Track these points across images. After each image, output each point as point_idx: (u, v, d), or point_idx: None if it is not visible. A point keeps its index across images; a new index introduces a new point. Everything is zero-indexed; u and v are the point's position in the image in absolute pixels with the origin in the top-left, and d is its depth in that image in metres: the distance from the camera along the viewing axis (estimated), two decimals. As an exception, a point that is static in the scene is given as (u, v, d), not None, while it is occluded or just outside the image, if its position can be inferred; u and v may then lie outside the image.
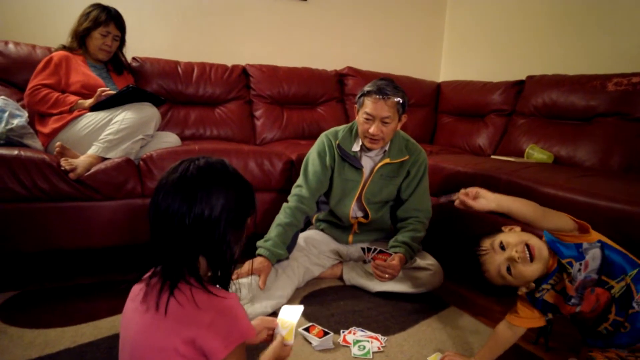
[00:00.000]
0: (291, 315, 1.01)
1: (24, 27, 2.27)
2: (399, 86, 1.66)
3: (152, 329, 0.76)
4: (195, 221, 0.76)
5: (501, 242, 1.11)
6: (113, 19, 1.95)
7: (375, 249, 1.63)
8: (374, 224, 1.82)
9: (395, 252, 1.63)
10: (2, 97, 1.81)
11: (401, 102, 1.63)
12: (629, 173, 1.92)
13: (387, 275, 1.58)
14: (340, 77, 2.92)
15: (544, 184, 1.60)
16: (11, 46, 2.06)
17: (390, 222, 1.85)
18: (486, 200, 1.14)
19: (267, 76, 2.66)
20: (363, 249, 1.67)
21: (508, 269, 1.09)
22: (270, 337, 1.00)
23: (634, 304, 1.02)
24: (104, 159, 1.70)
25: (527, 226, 1.16)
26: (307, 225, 1.87)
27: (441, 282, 1.69)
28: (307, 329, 1.35)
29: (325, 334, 1.33)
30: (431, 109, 3.08)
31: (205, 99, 2.52)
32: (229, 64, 2.61)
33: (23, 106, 1.86)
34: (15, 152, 1.56)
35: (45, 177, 1.58)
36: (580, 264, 1.04)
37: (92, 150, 1.70)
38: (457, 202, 1.18)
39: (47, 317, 1.41)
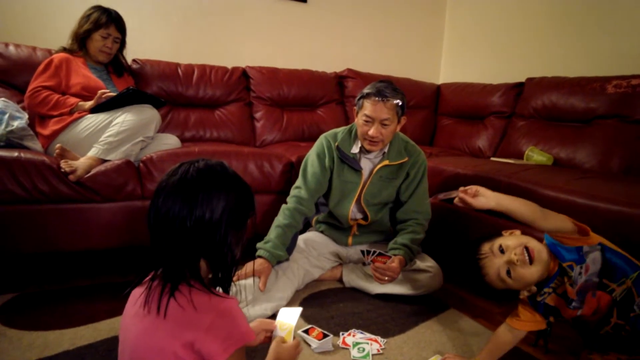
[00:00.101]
0: (290, 317, 1.01)
1: (24, 29, 2.28)
2: (398, 88, 1.66)
3: (152, 331, 0.76)
4: (197, 224, 0.76)
5: (500, 246, 1.11)
6: (113, 21, 1.95)
7: (374, 252, 1.63)
8: (373, 226, 1.83)
9: (395, 255, 1.63)
10: (3, 99, 1.81)
11: (400, 104, 1.63)
12: (629, 175, 1.92)
13: (386, 278, 1.58)
14: (340, 79, 2.92)
15: (543, 186, 1.60)
16: (12, 48, 2.07)
17: (389, 224, 1.85)
18: (485, 198, 1.14)
19: (267, 78, 2.66)
20: (362, 252, 1.66)
21: (508, 272, 1.09)
22: (269, 339, 1.00)
23: (635, 307, 1.01)
24: (104, 160, 1.70)
25: (527, 228, 1.16)
26: (306, 226, 1.87)
27: (441, 284, 1.69)
28: (306, 331, 1.35)
29: (325, 336, 1.32)
30: (431, 110, 3.08)
31: (205, 101, 2.52)
32: (229, 65, 2.62)
33: (23, 108, 1.87)
34: (15, 154, 1.56)
35: (45, 179, 1.58)
36: (581, 267, 1.04)
37: (92, 152, 1.70)
38: (456, 200, 1.18)
39: (46, 319, 1.41)
